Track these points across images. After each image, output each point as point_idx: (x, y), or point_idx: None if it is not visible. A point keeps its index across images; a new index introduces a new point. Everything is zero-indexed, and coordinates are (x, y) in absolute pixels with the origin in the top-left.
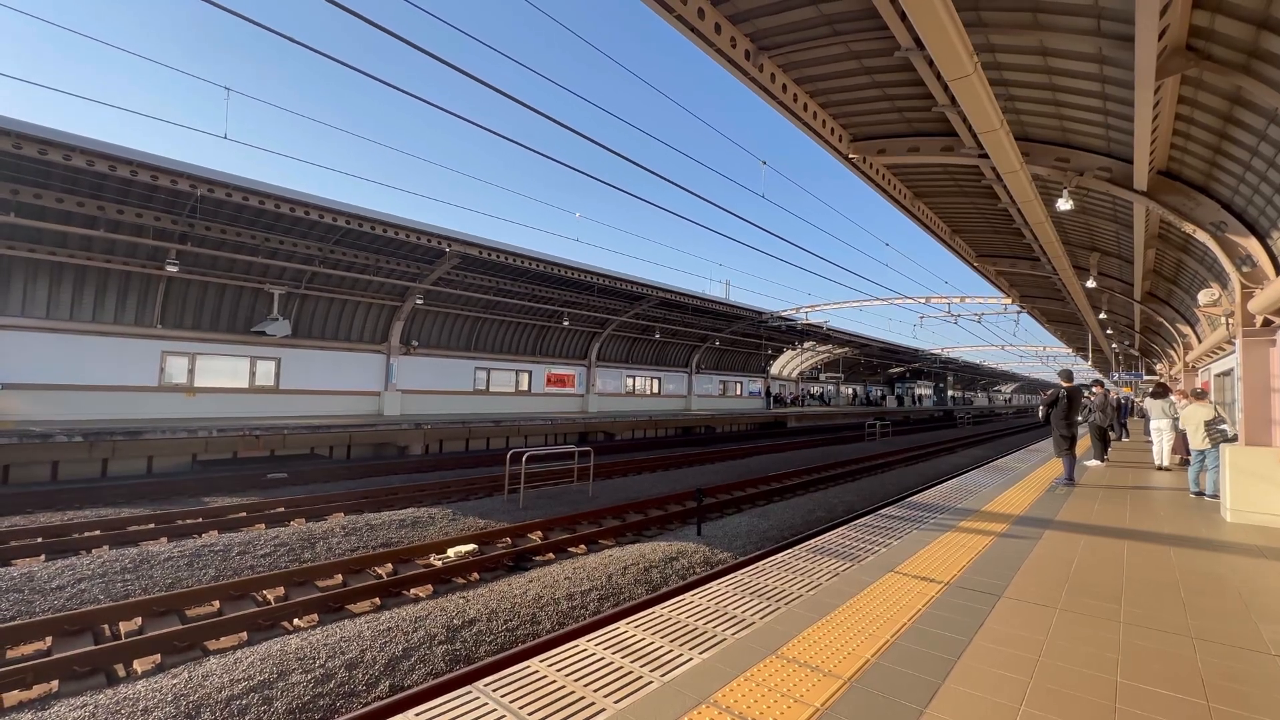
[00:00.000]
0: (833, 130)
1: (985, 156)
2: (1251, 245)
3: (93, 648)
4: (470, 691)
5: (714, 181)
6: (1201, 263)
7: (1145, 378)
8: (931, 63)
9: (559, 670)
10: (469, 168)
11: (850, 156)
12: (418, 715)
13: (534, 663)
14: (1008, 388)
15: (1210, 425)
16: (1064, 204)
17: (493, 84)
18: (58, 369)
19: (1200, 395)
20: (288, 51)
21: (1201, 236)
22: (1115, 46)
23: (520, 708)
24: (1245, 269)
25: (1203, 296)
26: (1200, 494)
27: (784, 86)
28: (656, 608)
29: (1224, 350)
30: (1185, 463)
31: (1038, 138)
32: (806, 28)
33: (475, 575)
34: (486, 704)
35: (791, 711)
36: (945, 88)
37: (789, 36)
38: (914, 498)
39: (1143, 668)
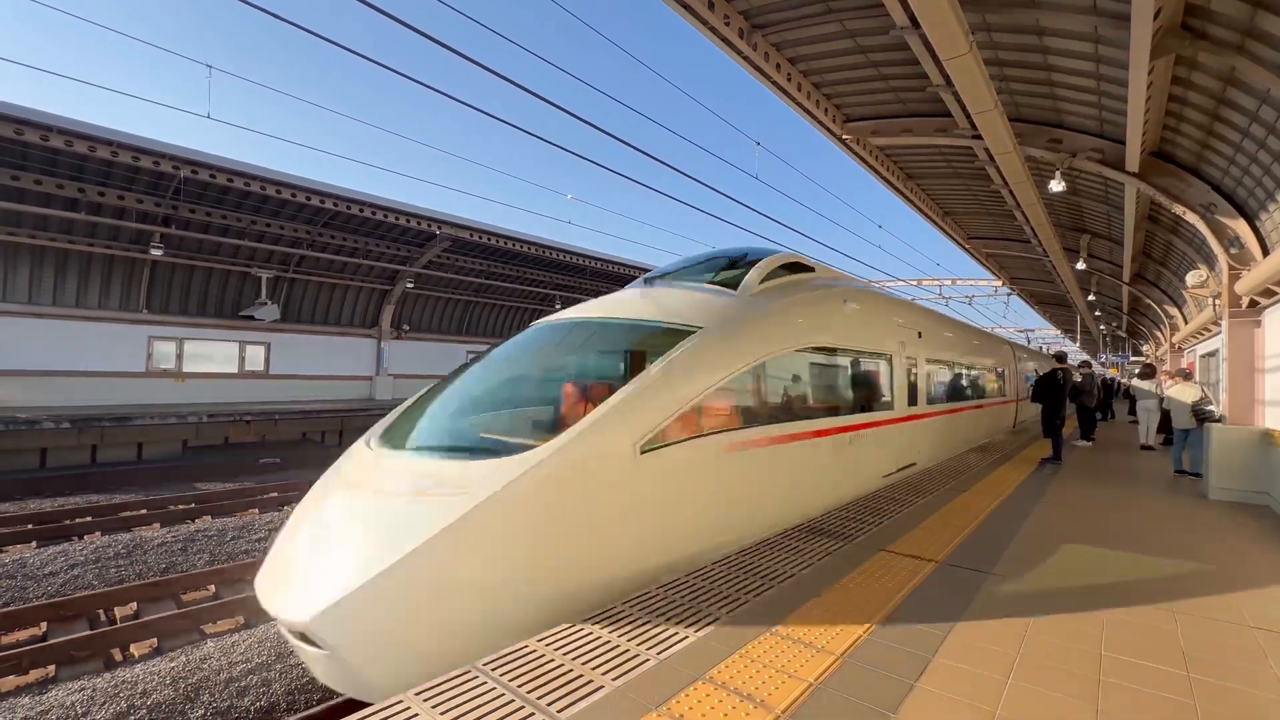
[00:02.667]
0: (826, 110)
1: (979, 138)
2: (1240, 227)
3: (89, 633)
4: (469, 671)
5: (707, 162)
6: (1190, 244)
7: (1132, 359)
8: (927, 41)
9: (557, 650)
10: (458, 149)
11: (844, 138)
12: (417, 694)
13: (531, 642)
14: None
15: (1196, 405)
16: (1056, 185)
17: (483, 62)
18: (43, 355)
19: (1187, 376)
20: (272, 29)
21: (1191, 218)
22: (1111, 25)
23: (519, 686)
24: (1233, 250)
25: (1190, 278)
26: (1183, 472)
27: (778, 66)
28: (652, 588)
29: (1210, 331)
30: (1169, 442)
31: (1031, 118)
32: (801, 5)
33: None
34: (485, 683)
35: (786, 686)
36: (940, 67)
37: (783, 14)
38: (904, 476)
39: (1126, 641)
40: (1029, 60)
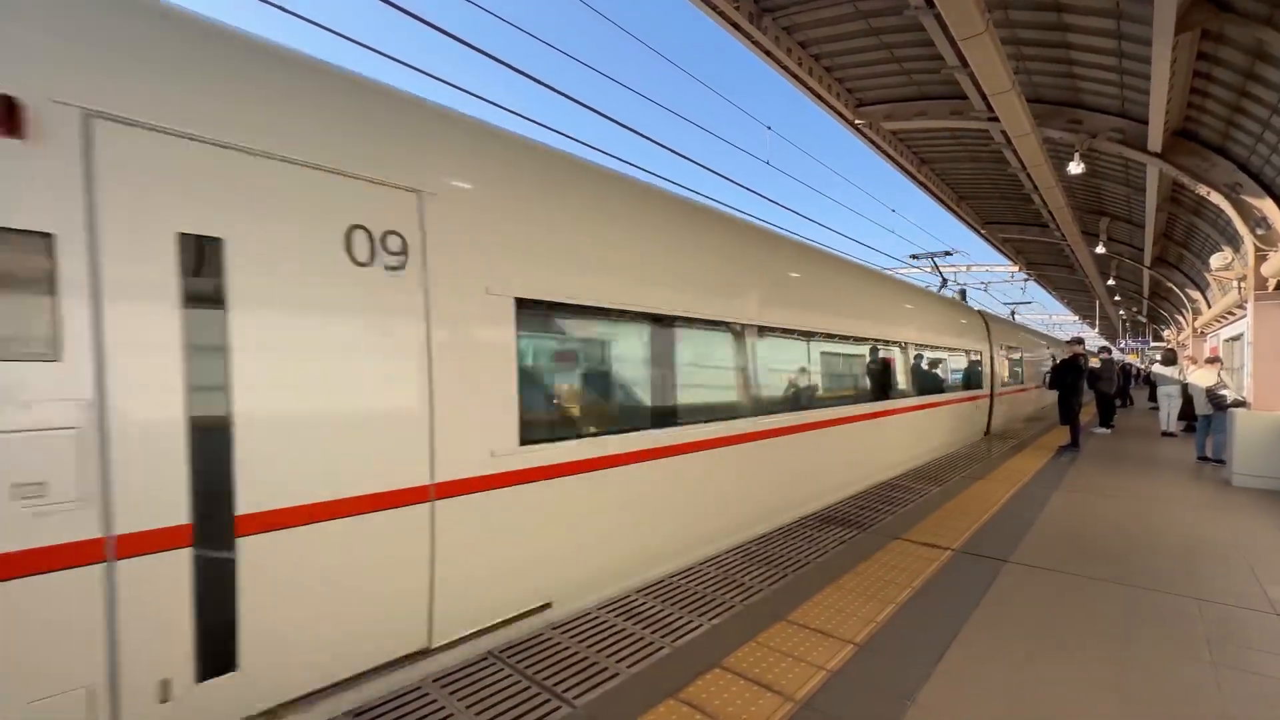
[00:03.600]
0: (838, 95)
1: (995, 120)
2: (1267, 207)
3: None
4: (487, 659)
5: (717, 148)
6: (1214, 226)
7: (1152, 344)
8: (942, 21)
9: (574, 638)
10: None
11: (856, 122)
12: (436, 682)
13: (548, 632)
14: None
15: (1210, 390)
16: (1075, 167)
17: (480, 46)
18: None
19: (1211, 360)
20: (265, 15)
21: (1215, 199)
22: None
23: (536, 673)
24: (1259, 231)
25: (1215, 260)
26: (1206, 459)
27: (789, 50)
28: (666, 576)
29: (1234, 315)
30: (1191, 429)
31: (1050, 99)
32: None
33: None
34: (503, 670)
35: (802, 673)
36: (955, 48)
37: None
38: (920, 464)
39: (1149, 628)
40: (1047, 39)
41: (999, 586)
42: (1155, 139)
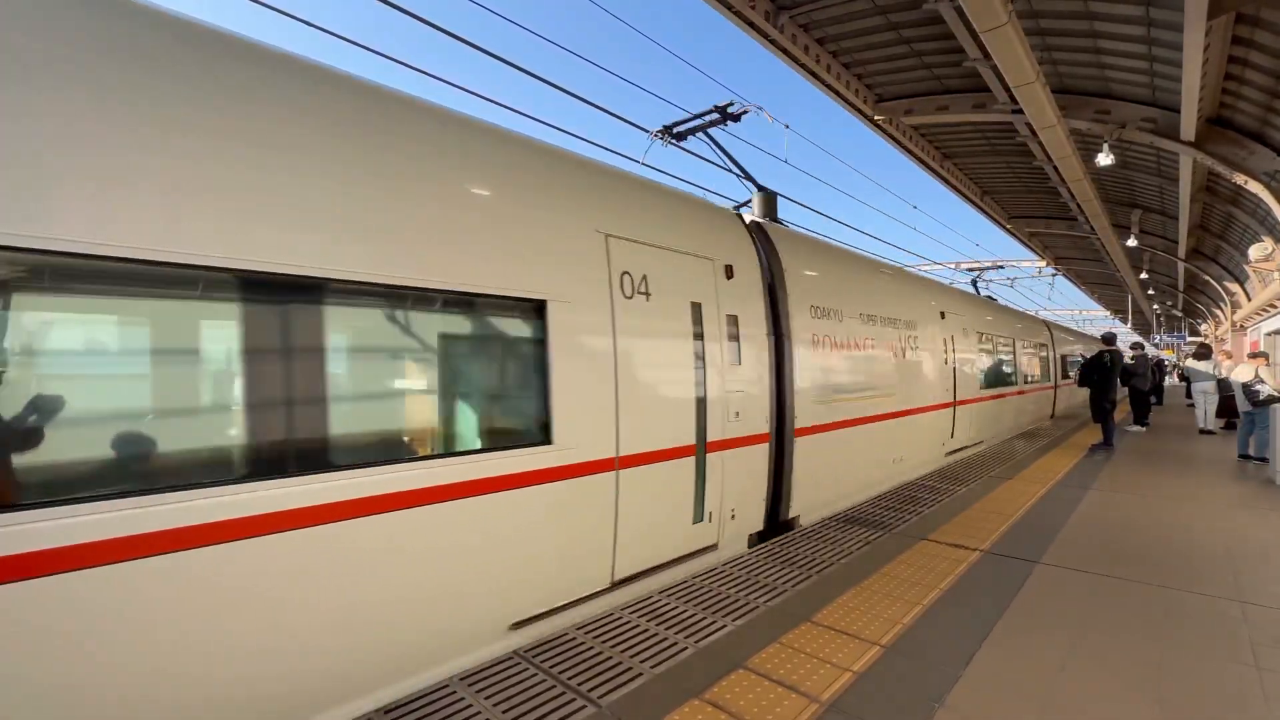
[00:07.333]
0: (857, 91)
1: (1019, 112)
2: None
3: None
4: (513, 658)
5: (736, 148)
6: (1253, 216)
7: (1189, 339)
8: (962, 13)
9: (597, 638)
10: None
11: (876, 119)
12: (461, 679)
13: (573, 631)
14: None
15: (1246, 386)
16: (1104, 159)
17: (497, 53)
18: None
19: (1254, 355)
20: (266, 19)
21: (1254, 187)
22: None
23: (560, 673)
24: None
25: (1254, 251)
26: (1248, 457)
27: (806, 47)
28: (690, 578)
29: (1276, 307)
30: (1230, 426)
31: (1076, 89)
32: None
33: None
34: (527, 669)
35: (828, 675)
36: (977, 40)
37: None
38: (947, 464)
39: (1187, 631)
40: (1073, 27)
41: (1030, 588)
42: (1188, 127)
